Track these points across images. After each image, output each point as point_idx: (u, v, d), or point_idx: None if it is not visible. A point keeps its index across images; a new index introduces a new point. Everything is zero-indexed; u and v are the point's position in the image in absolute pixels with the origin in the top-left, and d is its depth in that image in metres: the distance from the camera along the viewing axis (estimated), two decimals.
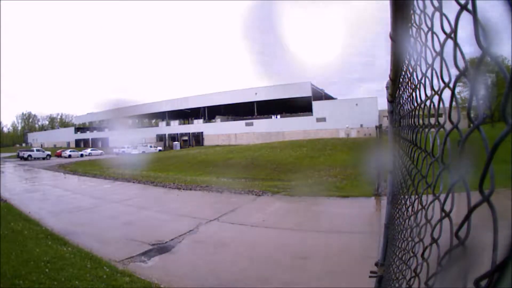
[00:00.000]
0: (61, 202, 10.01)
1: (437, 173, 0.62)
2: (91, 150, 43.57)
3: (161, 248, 5.46)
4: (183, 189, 11.64)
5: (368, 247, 4.69)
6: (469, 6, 0.42)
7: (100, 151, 43.36)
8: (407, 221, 1.11)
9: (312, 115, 42.33)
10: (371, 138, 22.70)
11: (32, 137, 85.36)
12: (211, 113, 52.17)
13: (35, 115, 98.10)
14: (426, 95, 0.75)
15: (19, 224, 6.70)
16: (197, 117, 54.09)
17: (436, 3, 0.58)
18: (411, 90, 1.02)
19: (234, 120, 51.45)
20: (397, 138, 1.81)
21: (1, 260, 4.40)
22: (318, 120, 41.18)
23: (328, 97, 47.94)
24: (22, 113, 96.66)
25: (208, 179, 13.60)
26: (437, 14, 0.56)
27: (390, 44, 1.10)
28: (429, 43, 0.65)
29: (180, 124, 56.96)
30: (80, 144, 63.75)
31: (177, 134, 52.53)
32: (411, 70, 1.01)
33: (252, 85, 63.76)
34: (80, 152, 40.58)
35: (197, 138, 49.80)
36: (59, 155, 38.51)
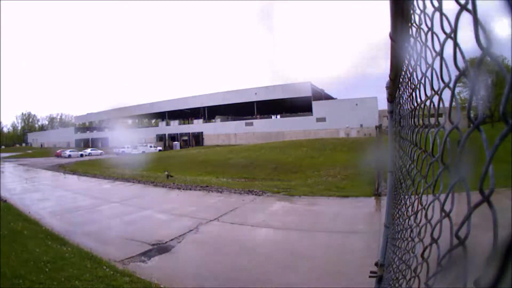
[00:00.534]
0: (61, 202, 10.00)
1: (437, 173, 0.62)
2: (91, 150, 43.54)
3: (161, 248, 5.46)
4: (183, 189, 11.64)
5: (368, 247, 4.69)
6: (469, 6, 0.42)
7: (100, 151, 43.35)
8: (407, 221, 1.11)
9: (312, 115, 42.33)
10: (371, 138, 22.70)
11: (32, 137, 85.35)
12: (211, 113, 52.17)
13: (34, 115, 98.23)
14: (426, 95, 0.75)
15: (19, 224, 6.69)
16: (197, 117, 54.10)
17: (436, 3, 0.58)
18: (411, 90, 1.02)
19: (234, 120, 51.43)
20: (397, 138, 1.81)
21: (1, 260, 4.40)
22: (318, 120, 41.18)
23: (328, 97, 47.96)
24: (22, 113, 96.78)
25: (208, 179, 13.61)
26: (437, 14, 0.56)
27: (390, 44, 1.10)
28: (429, 43, 0.65)
29: (180, 124, 56.95)
30: (80, 144, 63.71)
31: (177, 134, 52.53)
32: (411, 70, 1.01)
33: (252, 85, 63.83)
34: (80, 152, 40.55)
35: (197, 138, 49.79)
36: (58, 155, 38.47)
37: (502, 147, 0.36)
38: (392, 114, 1.98)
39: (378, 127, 9.06)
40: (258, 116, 48.66)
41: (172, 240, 5.85)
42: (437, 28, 0.57)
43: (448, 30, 0.51)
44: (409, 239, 0.99)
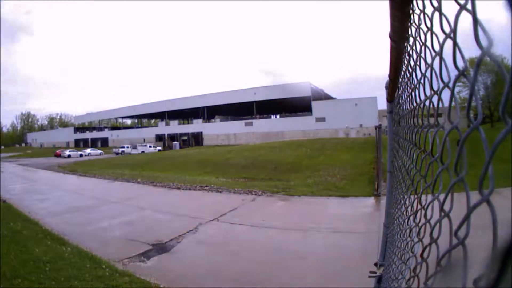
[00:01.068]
0: (60, 202, 9.99)
1: (436, 173, 0.62)
2: (91, 150, 43.51)
3: (161, 248, 5.46)
4: (183, 189, 11.63)
5: (367, 247, 4.70)
6: (469, 6, 0.42)
7: (99, 151, 43.32)
8: (406, 221, 1.11)
9: (311, 115, 42.36)
10: (370, 138, 22.71)
11: (31, 137, 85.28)
12: (210, 113, 52.15)
13: (34, 115, 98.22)
14: (425, 95, 0.75)
15: (18, 224, 6.69)
16: (197, 117, 54.07)
17: (435, 3, 0.58)
18: (411, 90, 1.02)
19: (234, 120, 51.43)
20: (396, 138, 1.81)
21: (1, 260, 4.39)
22: (318, 120, 41.20)
23: (328, 97, 47.99)
24: (22, 113, 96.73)
25: (208, 179, 13.60)
26: (437, 14, 0.56)
27: (390, 43, 1.10)
28: (429, 43, 0.65)
29: (179, 124, 56.95)
30: (80, 144, 63.68)
31: (177, 134, 52.51)
32: (410, 70, 1.01)
33: (251, 85, 63.80)
34: (80, 152, 40.51)
35: (197, 138, 49.78)
36: (58, 155, 38.43)
37: (502, 147, 0.36)
38: (392, 114, 1.98)
39: (378, 127, 9.06)
40: (257, 116, 48.67)
41: (171, 240, 5.85)
42: (436, 28, 0.57)
43: (447, 30, 0.51)
44: (409, 239, 0.99)
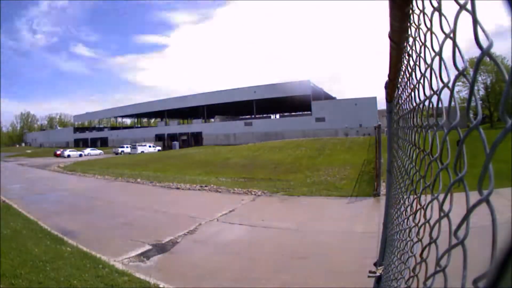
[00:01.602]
0: (60, 201, 9.99)
1: (435, 173, 0.62)
2: (90, 150, 43.41)
3: (160, 248, 5.46)
4: (182, 189, 11.63)
5: (367, 246, 4.70)
6: (468, 6, 0.42)
7: (99, 151, 43.24)
8: (406, 221, 1.11)
9: (311, 115, 42.34)
10: (370, 138, 22.73)
11: (31, 137, 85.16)
12: (210, 111, 52.03)
13: (33, 115, 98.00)
14: (425, 95, 0.75)
15: (18, 224, 6.68)
16: (196, 117, 54.02)
17: (435, 3, 0.58)
18: (410, 90, 1.02)
19: (233, 120, 51.39)
20: (396, 138, 1.81)
21: (0, 260, 4.39)
22: (317, 120, 41.18)
23: (328, 96, 47.97)
24: (21, 113, 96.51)
25: (207, 179, 13.59)
26: (436, 14, 0.56)
27: (389, 43, 1.10)
28: (428, 43, 0.65)
29: (179, 124, 56.89)
30: (79, 144, 63.56)
31: (176, 133, 52.46)
32: (410, 70, 1.01)
33: (251, 83, 63.80)
34: (79, 152, 40.43)
35: (196, 138, 49.72)
36: (58, 155, 38.36)
37: (501, 147, 0.36)
38: (391, 114, 1.98)
39: (377, 127, 9.07)
40: (257, 116, 48.62)
41: (171, 240, 5.85)
42: (436, 28, 0.57)
43: (447, 30, 0.51)
44: (408, 239, 0.99)
